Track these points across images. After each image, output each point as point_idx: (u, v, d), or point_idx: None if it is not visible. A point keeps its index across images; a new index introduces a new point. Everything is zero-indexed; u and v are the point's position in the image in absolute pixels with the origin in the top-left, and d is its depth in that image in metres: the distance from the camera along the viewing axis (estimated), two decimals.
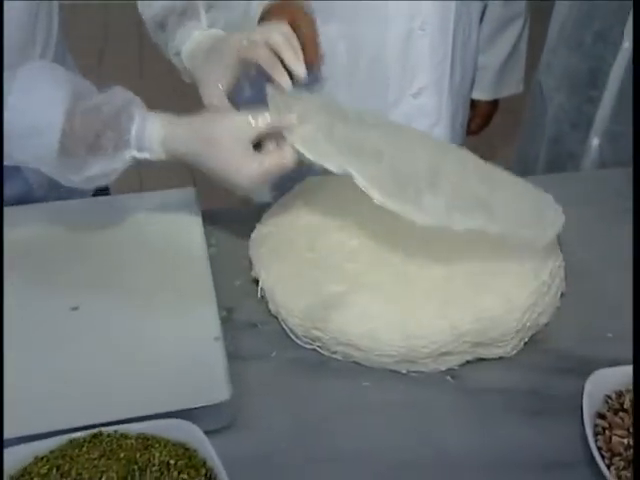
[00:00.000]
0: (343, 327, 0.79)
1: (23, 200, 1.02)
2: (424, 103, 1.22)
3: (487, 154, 0.91)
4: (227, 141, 0.80)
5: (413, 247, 0.83)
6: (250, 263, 0.90)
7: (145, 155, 0.83)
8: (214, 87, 0.89)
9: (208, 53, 0.91)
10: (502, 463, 0.73)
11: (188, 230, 0.96)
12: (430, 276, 0.81)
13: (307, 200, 0.94)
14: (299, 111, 0.83)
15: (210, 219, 0.97)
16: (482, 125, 1.49)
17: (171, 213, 0.99)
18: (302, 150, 0.81)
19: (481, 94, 1.41)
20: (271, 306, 0.84)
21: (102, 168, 0.83)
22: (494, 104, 1.47)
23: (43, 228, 0.97)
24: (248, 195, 0.88)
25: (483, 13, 1.30)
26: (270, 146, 0.82)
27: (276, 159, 0.81)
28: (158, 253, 0.93)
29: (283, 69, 0.87)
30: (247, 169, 0.80)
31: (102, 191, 1.07)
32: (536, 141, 1.38)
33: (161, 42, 1.00)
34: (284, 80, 0.86)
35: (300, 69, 0.87)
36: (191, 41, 0.94)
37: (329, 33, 1.14)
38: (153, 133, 0.82)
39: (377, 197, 0.79)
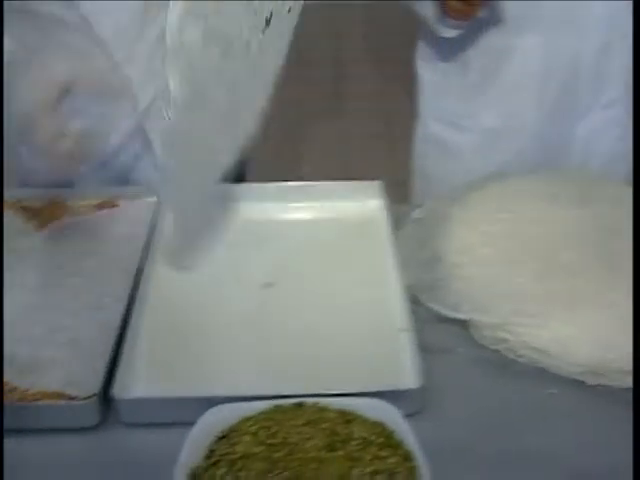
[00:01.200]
0: (534, 332, 0.79)
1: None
2: (613, 115, 1.20)
3: None
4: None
5: (616, 259, 0.83)
6: (439, 257, 0.92)
7: None
8: None
9: None
10: None
11: (376, 221, 1.00)
12: (627, 290, 0.81)
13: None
14: None
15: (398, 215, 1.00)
16: None
17: (359, 203, 1.03)
18: None
19: None
20: (460, 302, 0.86)
21: None
22: None
23: (240, 209, 1.03)
24: None
25: None
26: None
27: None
28: (348, 241, 0.97)
29: None
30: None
31: None
32: None
33: None
34: None
35: None
36: None
37: (525, 44, 1.14)
38: None
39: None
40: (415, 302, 0.88)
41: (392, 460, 0.64)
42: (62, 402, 0.75)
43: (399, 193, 1.09)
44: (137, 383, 0.78)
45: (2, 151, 0.90)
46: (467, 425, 0.77)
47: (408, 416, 0.73)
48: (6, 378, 0.78)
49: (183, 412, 0.73)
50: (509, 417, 0.77)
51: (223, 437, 0.68)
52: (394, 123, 2.85)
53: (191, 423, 0.69)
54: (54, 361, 0.80)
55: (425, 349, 0.81)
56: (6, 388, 0.77)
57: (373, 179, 1.06)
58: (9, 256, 0.92)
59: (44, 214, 1.01)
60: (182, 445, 0.67)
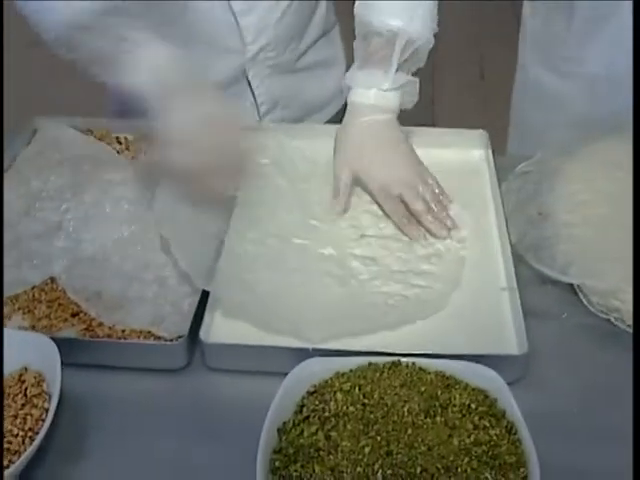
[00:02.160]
0: None
1: None
2: None
3: None
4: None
5: None
6: (547, 214, 0.85)
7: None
8: None
9: None
10: None
11: (479, 172, 0.95)
12: None
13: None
14: None
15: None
16: None
17: (462, 151, 0.98)
18: None
19: None
20: (568, 265, 0.80)
21: None
22: None
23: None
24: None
25: None
26: None
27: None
28: (450, 192, 0.91)
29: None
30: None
31: None
32: None
33: None
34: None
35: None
36: None
37: None
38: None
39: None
40: (518, 261, 0.82)
41: (494, 431, 0.60)
42: (150, 342, 0.73)
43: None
44: (224, 327, 0.75)
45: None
46: (569, 396, 0.72)
47: (508, 384, 0.69)
48: (93, 313, 0.77)
49: (270, 361, 0.71)
50: (615, 391, 0.72)
51: (314, 392, 0.65)
52: (489, 70, 2.73)
53: (276, 373, 0.67)
54: (141, 299, 0.78)
55: (527, 312, 0.76)
56: (94, 323, 0.76)
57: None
58: (102, 187, 0.90)
59: (138, 146, 0.98)
60: (267, 395, 0.64)
